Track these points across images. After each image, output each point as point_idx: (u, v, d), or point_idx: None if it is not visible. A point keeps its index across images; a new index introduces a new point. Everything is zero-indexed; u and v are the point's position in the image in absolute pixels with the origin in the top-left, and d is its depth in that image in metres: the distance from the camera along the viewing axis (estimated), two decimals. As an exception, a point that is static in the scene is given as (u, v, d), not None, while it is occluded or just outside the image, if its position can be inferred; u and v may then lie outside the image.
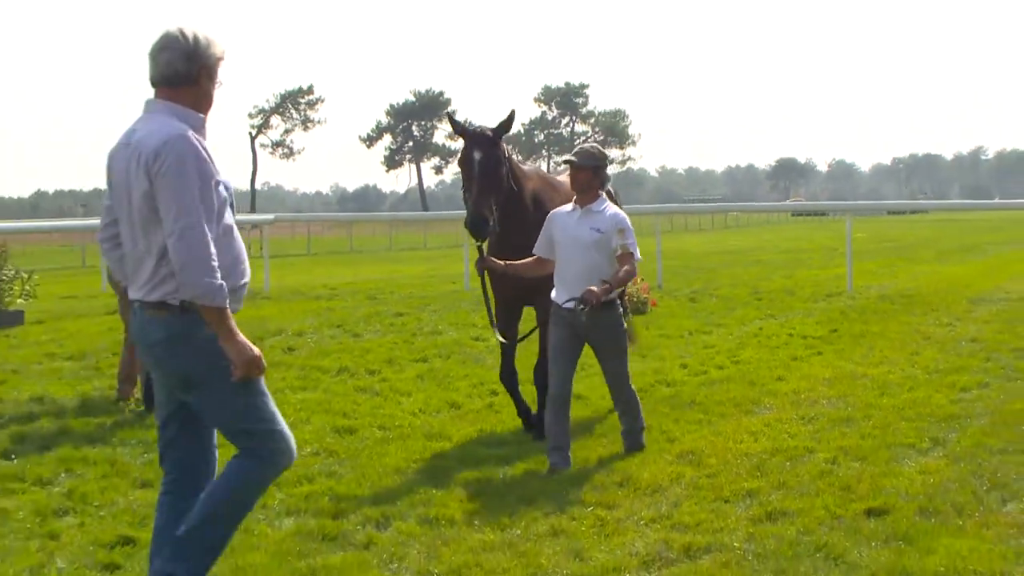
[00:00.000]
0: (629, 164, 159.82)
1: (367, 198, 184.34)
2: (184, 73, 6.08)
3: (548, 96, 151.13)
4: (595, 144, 9.39)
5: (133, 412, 12.28)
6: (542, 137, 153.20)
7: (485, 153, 10.18)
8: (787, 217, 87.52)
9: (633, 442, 10.24)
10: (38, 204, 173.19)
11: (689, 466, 9.25)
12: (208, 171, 5.92)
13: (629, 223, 9.87)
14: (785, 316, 20.28)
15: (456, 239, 46.34)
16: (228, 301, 5.85)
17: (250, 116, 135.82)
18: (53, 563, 7.52)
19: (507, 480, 9.40)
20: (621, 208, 10.60)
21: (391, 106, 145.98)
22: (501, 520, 8.22)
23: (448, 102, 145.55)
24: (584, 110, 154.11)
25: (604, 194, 10.01)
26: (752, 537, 7.66)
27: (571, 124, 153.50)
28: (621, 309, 10.21)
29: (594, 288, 9.33)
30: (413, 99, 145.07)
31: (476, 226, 10.03)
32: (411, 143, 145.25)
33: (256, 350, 5.97)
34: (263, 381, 6.23)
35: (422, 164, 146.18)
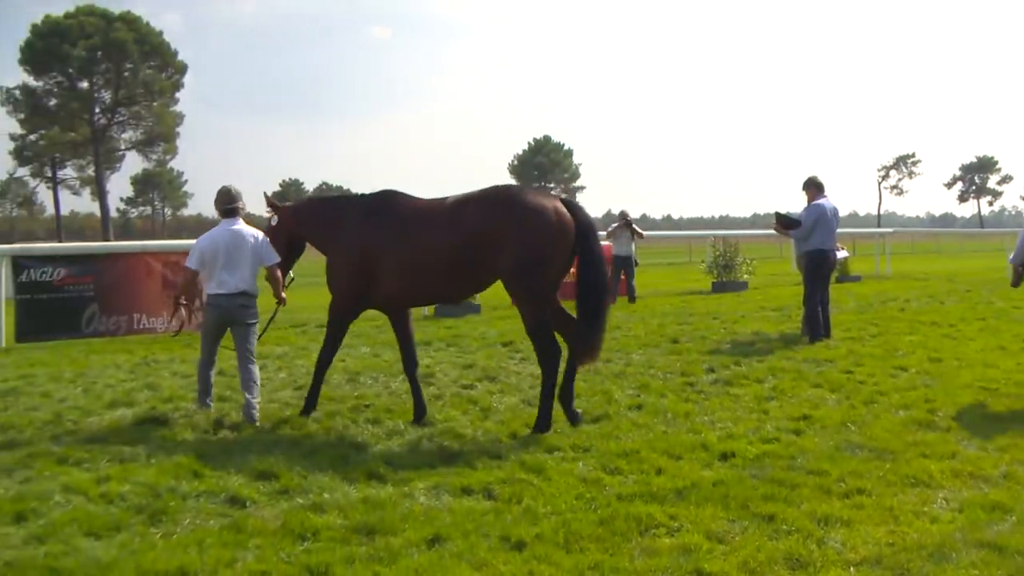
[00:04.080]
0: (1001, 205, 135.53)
1: (946, 221, 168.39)
2: None
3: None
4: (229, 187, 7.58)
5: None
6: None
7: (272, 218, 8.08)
8: None
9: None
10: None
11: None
12: None
13: (194, 245, 7.71)
14: None
15: (1000, 245, 41.11)
16: None
17: (877, 171, 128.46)
18: (766, 425, 7.28)
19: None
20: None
21: (957, 170, 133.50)
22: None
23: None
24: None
25: (242, 219, 7.64)
26: None
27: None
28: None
29: None
30: (974, 160, 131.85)
31: None
32: (974, 189, 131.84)
33: None
34: None
35: (980, 200, 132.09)
